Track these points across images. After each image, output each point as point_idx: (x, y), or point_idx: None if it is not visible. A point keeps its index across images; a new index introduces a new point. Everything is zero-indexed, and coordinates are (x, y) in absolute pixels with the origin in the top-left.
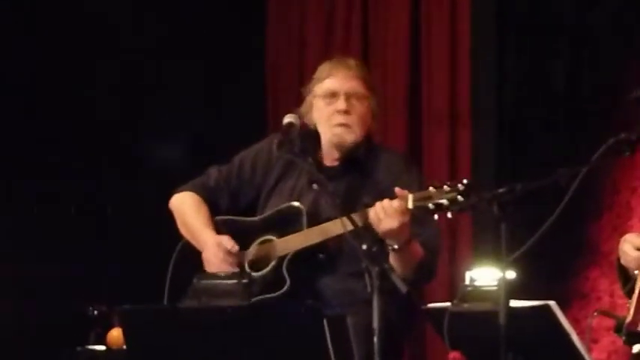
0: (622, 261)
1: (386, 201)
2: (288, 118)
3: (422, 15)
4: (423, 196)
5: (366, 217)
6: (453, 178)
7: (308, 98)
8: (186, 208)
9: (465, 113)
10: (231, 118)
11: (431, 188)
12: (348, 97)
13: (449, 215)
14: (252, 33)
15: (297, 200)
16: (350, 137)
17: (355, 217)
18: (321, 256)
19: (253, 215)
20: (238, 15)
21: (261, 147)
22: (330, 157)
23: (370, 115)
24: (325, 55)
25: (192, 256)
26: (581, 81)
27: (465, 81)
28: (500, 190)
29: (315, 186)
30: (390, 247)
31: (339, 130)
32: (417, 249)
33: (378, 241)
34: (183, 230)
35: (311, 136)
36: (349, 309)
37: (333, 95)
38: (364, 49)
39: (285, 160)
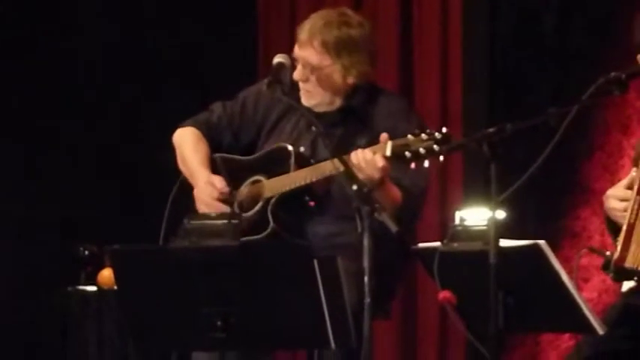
0: (612, 217)
1: (367, 150)
2: (278, 58)
3: None
4: (401, 143)
5: (341, 163)
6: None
7: None
8: (186, 145)
9: (457, 54)
10: (224, 61)
11: (409, 136)
12: (304, 65)
13: (426, 164)
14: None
15: (296, 141)
16: (311, 102)
17: (342, 159)
18: (307, 199)
19: (255, 150)
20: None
21: (264, 85)
22: (327, 104)
23: (339, 77)
24: (317, 3)
25: (190, 193)
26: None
27: (457, 25)
28: (490, 130)
29: (313, 128)
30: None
31: (302, 94)
32: (395, 192)
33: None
34: (181, 166)
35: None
36: (340, 249)
37: (296, 61)
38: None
39: (283, 101)
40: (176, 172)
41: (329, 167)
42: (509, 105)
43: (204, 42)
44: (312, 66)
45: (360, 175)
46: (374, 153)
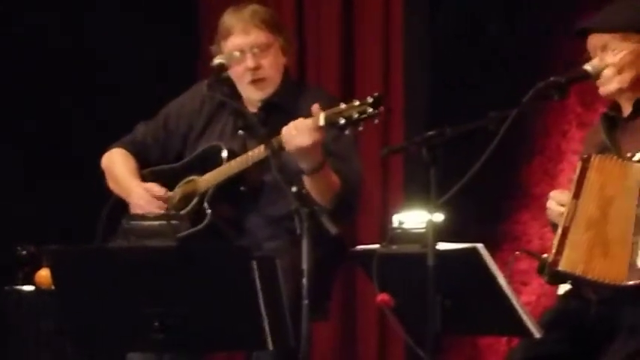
0: (549, 217)
1: (299, 119)
2: (218, 59)
3: None
4: (334, 112)
5: (280, 141)
6: (386, 129)
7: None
8: (115, 164)
9: (398, 54)
10: (164, 66)
11: (342, 104)
12: (254, 51)
13: (360, 128)
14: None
15: (226, 144)
16: (267, 90)
17: (270, 142)
18: (242, 188)
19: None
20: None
21: (187, 96)
22: (251, 106)
23: (281, 55)
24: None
25: (123, 210)
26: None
27: (398, 22)
28: (430, 133)
29: (241, 132)
30: (304, 174)
31: (252, 88)
32: (333, 178)
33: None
34: (112, 185)
35: (233, 85)
36: (278, 248)
37: (240, 55)
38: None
39: (212, 104)
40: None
41: (257, 153)
42: (451, 106)
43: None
44: (262, 47)
45: (293, 148)
46: (306, 122)
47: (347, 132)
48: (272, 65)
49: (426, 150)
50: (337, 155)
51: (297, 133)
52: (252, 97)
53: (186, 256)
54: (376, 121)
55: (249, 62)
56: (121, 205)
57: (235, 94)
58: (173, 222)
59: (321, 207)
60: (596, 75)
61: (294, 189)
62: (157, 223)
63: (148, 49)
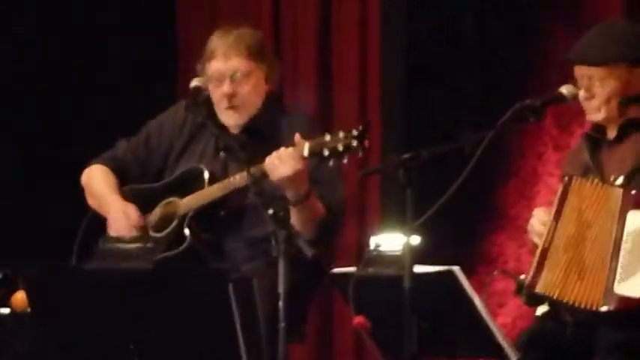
0: (529, 235)
1: (282, 148)
2: (195, 82)
3: None
4: (318, 142)
5: (263, 170)
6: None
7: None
8: (94, 179)
9: (375, 77)
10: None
11: (326, 135)
12: (233, 78)
13: (345, 161)
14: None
15: (206, 165)
16: (240, 119)
17: (253, 169)
18: (222, 213)
19: (162, 180)
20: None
21: (169, 114)
22: (232, 128)
23: (262, 83)
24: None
25: (101, 226)
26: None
27: (375, 46)
28: (406, 156)
29: (222, 154)
30: (289, 203)
31: (228, 113)
32: (318, 206)
33: (284, 206)
34: (90, 201)
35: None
36: (255, 271)
37: (218, 78)
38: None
39: (194, 124)
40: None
41: (239, 179)
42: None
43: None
44: (241, 75)
45: (277, 178)
46: (289, 151)
47: (330, 163)
48: (250, 93)
49: (403, 172)
50: (321, 182)
51: (281, 163)
52: (227, 122)
53: (163, 279)
54: (360, 154)
55: (226, 89)
56: (98, 223)
57: (215, 117)
58: (149, 244)
59: (297, 230)
60: (572, 98)
61: (270, 211)
62: (133, 245)
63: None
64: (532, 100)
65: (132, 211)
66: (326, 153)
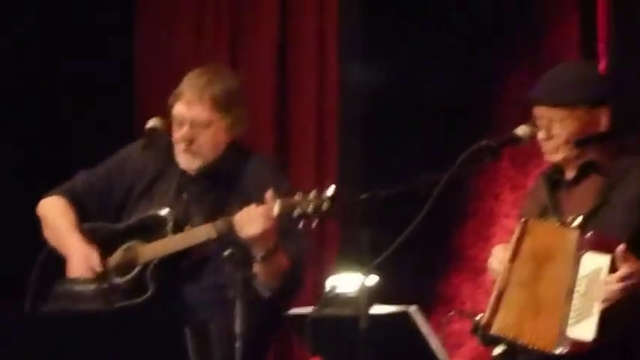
0: (490, 273)
1: (252, 206)
2: (151, 122)
3: (289, 20)
4: (289, 202)
5: (231, 224)
6: (320, 185)
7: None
8: (53, 213)
9: (332, 123)
10: (101, 125)
11: (297, 195)
12: (193, 124)
13: (313, 224)
14: (121, 42)
15: (169, 207)
16: (194, 164)
17: (219, 223)
18: (185, 263)
19: (121, 218)
20: (107, 23)
21: (131, 151)
22: (189, 170)
23: (223, 133)
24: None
25: (58, 261)
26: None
27: (333, 89)
28: (363, 197)
29: (184, 196)
30: (255, 257)
31: (183, 156)
32: (283, 260)
33: (242, 247)
34: (48, 235)
35: None
36: (213, 315)
37: (180, 122)
38: (232, 59)
39: (155, 166)
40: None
41: (205, 233)
42: (385, 164)
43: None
44: (201, 124)
45: (245, 236)
46: (259, 210)
47: (300, 225)
48: (207, 142)
49: (360, 213)
50: (286, 231)
51: (250, 221)
52: (182, 165)
53: (119, 322)
54: (332, 217)
55: (183, 134)
56: (55, 259)
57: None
58: (107, 287)
59: (253, 272)
60: (528, 139)
61: (226, 253)
62: (89, 287)
63: None
64: (488, 141)
65: (94, 256)
66: (296, 214)
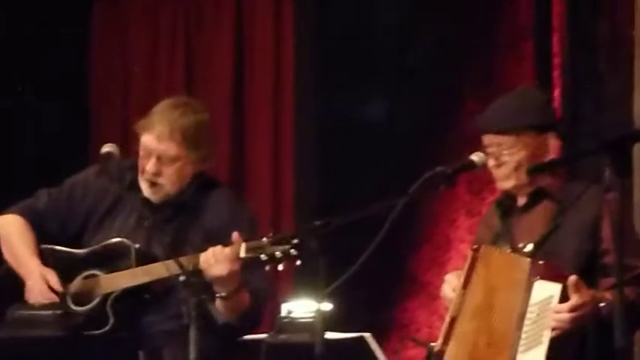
0: (443, 300)
1: (218, 247)
2: (106, 148)
3: (245, 51)
4: (256, 245)
5: (196, 262)
6: (276, 213)
7: None
8: (12, 233)
9: (288, 150)
10: (54, 146)
11: (264, 239)
12: (160, 158)
13: (280, 267)
14: (76, 63)
15: (129, 236)
16: (157, 196)
17: (184, 260)
18: (147, 296)
19: (81, 242)
20: (61, 44)
21: (87, 175)
22: (152, 199)
23: (190, 168)
24: (149, 87)
25: (15, 281)
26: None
27: (289, 118)
28: (318, 223)
29: (146, 224)
30: (217, 295)
31: (145, 186)
32: (245, 298)
33: (203, 284)
34: (7, 255)
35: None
36: (170, 339)
37: (147, 153)
38: (188, 80)
39: (114, 191)
40: None
41: (169, 269)
42: (340, 194)
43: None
44: (169, 159)
45: (211, 276)
46: (226, 252)
47: (267, 268)
48: (172, 176)
49: (314, 239)
50: (250, 269)
51: (216, 263)
52: (145, 194)
53: (74, 347)
54: (298, 262)
55: (149, 167)
56: (11, 281)
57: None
58: (58, 312)
59: (207, 297)
60: (482, 165)
61: (182, 278)
62: (44, 313)
63: None
64: (443, 168)
65: (53, 280)
66: (263, 257)
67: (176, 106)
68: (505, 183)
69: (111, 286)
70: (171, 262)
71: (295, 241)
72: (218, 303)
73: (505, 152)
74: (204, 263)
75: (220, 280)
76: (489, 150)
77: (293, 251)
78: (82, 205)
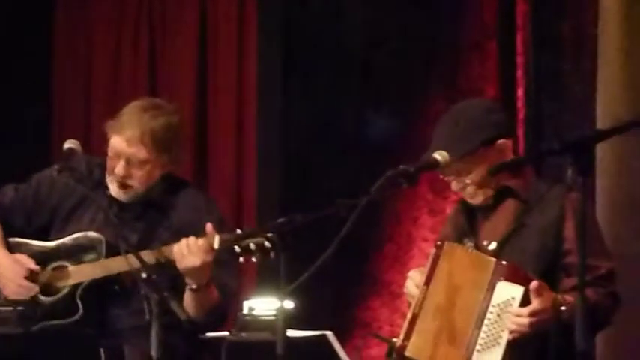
0: (406, 296)
1: (192, 238)
2: (68, 144)
3: (209, 51)
4: (230, 237)
5: (162, 254)
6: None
7: None
8: None
9: (251, 149)
10: (17, 144)
11: (239, 230)
12: (129, 161)
13: (254, 259)
14: (39, 59)
15: (97, 232)
16: (130, 196)
17: (147, 254)
18: (116, 287)
19: (46, 238)
20: (24, 40)
21: (52, 172)
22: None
23: (159, 170)
24: (113, 85)
25: None
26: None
27: (252, 115)
28: (280, 221)
29: (115, 220)
30: (188, 287)
31: (116, 188)
32: (214, 293)
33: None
34: None
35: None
36: (132, 335)
37: (117, 155)
38: (151, 81)
39: (80, 189)
40: None
41: (125, 263)
42: (304, 192)
43: None
44: (139, 162)
45: (183, 267)
46: (200, 243)
47: (240, 260)
48: (141, 179)
49: (277, 237)
50: (221, 265)
51: (190, 254)
52: (113, 194)
53: (34, 344)
54: (272, 254)
55: (118, 170)
56: None
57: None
58: (19, 308)
59: (171, 293)
60: (445, 164)
61: (144, 275)
62: (3, 309)
63: None
64: (406, 167)
65: (25, 258)
66: (237, 249)
67: (146, 109)
68: (474, 200)
69: (80, 277)
70: (144, 253)
71: (269, 234)
72: (187, 296)
73: (465, 174)
74: (177, 254)
75: (192, 271)
76: (449, 179)
77: (267, 244)
78: (48, 202)
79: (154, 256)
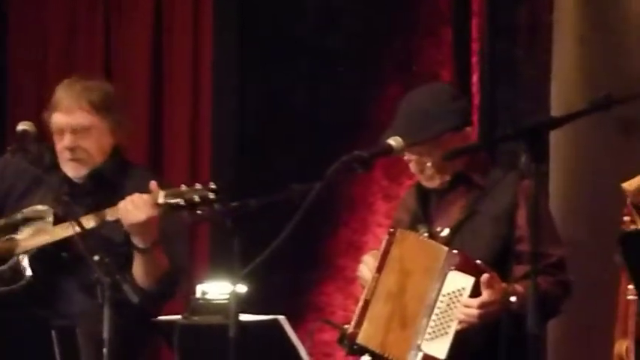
0: (360, 281)
1: (136, 194)
2: (21, 126)
3: (164, 31)
4: (174, 192)
5: (114, 212)
6: None
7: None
8: None
9: (206, 130)
10: None
11: (182, 186)
12: (74, 131)
13: (199, 212)
14: None
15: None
16: (82, 171)
17: (89, 218)
18: (64, 255)
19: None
20: None
21: (6, 156)
22: (75, 178)
23: (107, 136)
24: (67, 67)
25: None
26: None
27: (207, 96)
28: (234, 204)
29: (65, 198)
30: (135, 248)
31: (69, 165)
32: (163, 259)
33: (112, 252)
34: None
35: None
36: (84, 317)
37: (60, 132)
38: (106, 61)
39: (33, 171)
40: None
41: (87, 222)
42: (255, 170)
43: None
44: (83, 129)
45: (128, 223)
46: (144, 198)
47: (185, 214)
48: (91, 147)
49: (231, 221)
50: (166, 234)
51: (135, 209)
52: (69, 174)
53: None
54: (216, 206)
55: (66, 142)
56: None
57: (56, 162)
58: None
59: (123, 276)
60: (400, 150)
61: (96, 257)
62: None
63: None
64: (360, 152)
65: None
66: (182, 202)
67: (78, 80)
68: (430, 183)
69: (28, 245)
70: (89, 216)
71: (213, 186)
72: (136, 262)
73: (425, 157)
74: (122, 210)
75: (138, 227)
76: (409, 160)
77: (211, 195)
78: (1, 183)
79: (94, 221)
